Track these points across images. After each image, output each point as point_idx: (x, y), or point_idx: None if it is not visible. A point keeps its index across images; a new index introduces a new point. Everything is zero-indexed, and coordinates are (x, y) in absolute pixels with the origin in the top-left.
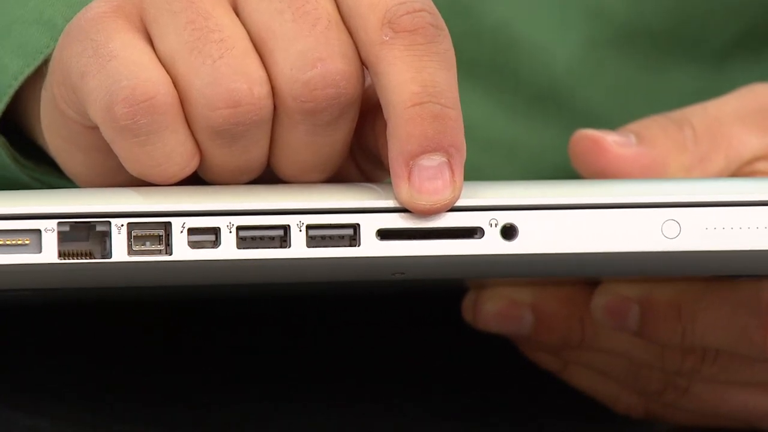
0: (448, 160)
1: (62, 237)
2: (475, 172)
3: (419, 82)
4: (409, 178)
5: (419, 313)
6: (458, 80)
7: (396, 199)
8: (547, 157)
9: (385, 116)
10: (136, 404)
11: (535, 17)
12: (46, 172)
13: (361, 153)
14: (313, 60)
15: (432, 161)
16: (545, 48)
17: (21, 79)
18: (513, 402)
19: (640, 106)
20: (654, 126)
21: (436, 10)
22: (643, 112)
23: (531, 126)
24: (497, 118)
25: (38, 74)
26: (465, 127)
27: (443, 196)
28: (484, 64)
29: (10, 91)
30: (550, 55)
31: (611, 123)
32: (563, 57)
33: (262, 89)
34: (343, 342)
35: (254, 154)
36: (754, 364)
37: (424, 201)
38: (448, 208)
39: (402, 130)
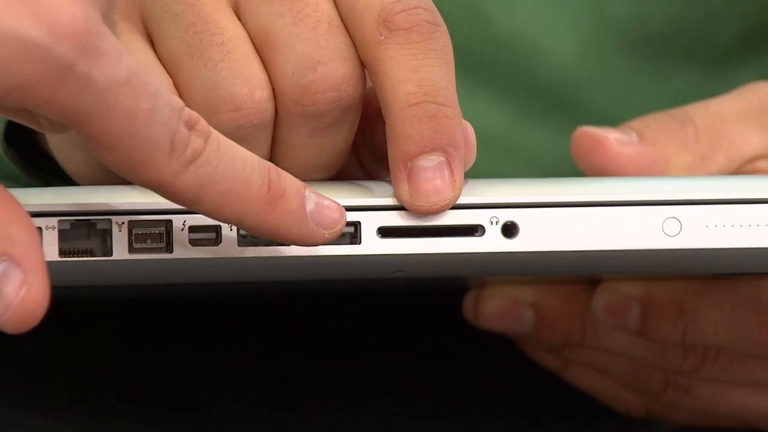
0: (447, 159)
1: (63, 235)
2: None
3: (415, 81)
4: (408, 180)
5: (420, 312)
6: (477, 88)
7: (397, 199)
8: (568, 164)
9: (384, 117)
10: (135, 404)
11: (549, 24)
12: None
13: (366, 150)
14: (313, 63)
15: (430, 161)
16: (560, 54)
17: None
18: (513, 401)
19: (648, 110)
20: (656, 123)
21: (432, 6)
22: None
23: (549, 133)
24: (517, 126)
25: None
26: (485, 137)
27: (443, 197)
28: (502, 70)
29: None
30: (564, 62)
31: None
32: (577, 63)
33: (263, 93)
34: (343, 340)
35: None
36: (755, 363)
37: (423, 202)
38: (449, 208)
39: (399, 132)
